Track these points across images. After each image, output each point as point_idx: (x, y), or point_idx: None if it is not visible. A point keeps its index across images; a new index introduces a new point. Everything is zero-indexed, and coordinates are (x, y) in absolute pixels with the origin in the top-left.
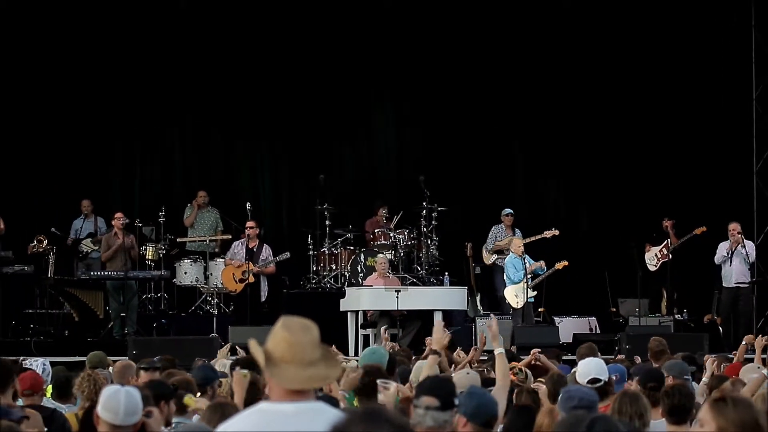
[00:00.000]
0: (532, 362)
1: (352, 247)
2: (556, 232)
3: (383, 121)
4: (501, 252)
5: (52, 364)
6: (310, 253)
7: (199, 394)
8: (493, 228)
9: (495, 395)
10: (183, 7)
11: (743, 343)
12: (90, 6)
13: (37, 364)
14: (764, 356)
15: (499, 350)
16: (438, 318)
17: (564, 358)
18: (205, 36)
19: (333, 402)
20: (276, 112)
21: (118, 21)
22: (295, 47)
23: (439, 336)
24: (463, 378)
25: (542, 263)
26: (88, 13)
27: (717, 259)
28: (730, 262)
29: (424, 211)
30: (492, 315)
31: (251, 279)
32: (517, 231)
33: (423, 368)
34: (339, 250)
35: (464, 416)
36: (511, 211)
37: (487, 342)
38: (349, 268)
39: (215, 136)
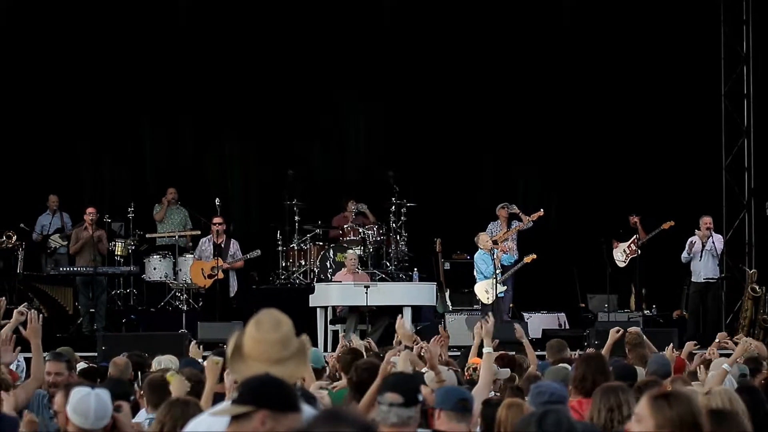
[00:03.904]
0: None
1: (321, 243)
2: (541, 213)
3: (353, 117)
4: None
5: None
6: (279, 248)
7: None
8: (489, 225)
9: (476, 394)
10: (151, 3)
11: (717, 340)
12: (56, 1)
13: None
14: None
15: (488, 349)
16: (401, 315)
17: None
18: (174, 32)
19: (309, 398)
20: (245, 107)
21: (85, 16)
22: (263, 43)
23: (402, 331)
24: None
25: (508, 247)
26: (56, 9)
27: (683, 257)
28: (700, 257)
29: (394, 207)
30: (489, 315)
31: (220, 275)
32: (514, 223)
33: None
34: (308, 245)
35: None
36: (507, 203)
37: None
38: (318, 263)
39: (185, 131)
